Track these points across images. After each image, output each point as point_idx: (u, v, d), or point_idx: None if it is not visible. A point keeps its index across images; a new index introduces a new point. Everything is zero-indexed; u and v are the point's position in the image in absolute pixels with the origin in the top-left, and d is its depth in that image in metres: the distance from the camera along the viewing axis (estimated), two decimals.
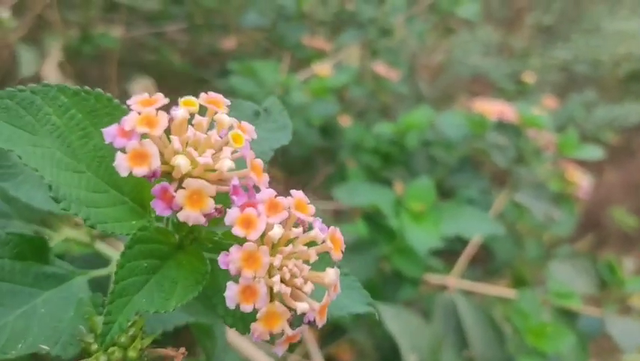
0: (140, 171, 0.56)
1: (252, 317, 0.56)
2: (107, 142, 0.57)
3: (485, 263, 2.25)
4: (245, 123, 0.62)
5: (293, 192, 0.60)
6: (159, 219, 0.66)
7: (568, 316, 1.69)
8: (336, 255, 0.60)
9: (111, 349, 0.63)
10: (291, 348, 1.78)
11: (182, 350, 0.67)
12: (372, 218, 1.73)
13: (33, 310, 0.66)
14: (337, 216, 2.42)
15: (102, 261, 0.84)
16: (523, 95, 3.14)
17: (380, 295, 1.66)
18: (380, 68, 2.64)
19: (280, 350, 0.58)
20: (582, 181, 2.22)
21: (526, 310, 1.50)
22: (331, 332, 1.87)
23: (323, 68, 2.41)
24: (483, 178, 2.18)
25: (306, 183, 2.52)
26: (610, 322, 1.64)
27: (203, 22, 3.08)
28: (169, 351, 0.67)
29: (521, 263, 2.10)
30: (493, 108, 2.10)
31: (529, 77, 3.13)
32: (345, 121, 2.57)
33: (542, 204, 1.92)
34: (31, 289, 0.67)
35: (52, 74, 2.30)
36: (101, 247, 0.89)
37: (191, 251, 0.64)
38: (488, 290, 1.80)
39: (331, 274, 0.59)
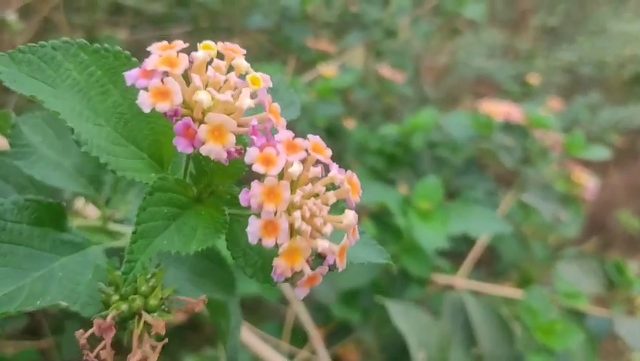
0: (163, 106, 0.57)
1: (271, 267, 0.56)
2: (128, 84, 0.58)
3: (491, 264, 2.25)
4: (260, 73, 0.63)
5: (310, 136, 0.61)
6: (176, 177, 0.67)
7: (576, 316, 1.68)
8: (354, 198, 0.61)
9: (132, 297, 0.64)
10: (299, 345, 1.77)
11: (203, 297, 0.68)
12: (379, 218, 1.73)
13: (51, 274, 0.67)
14: None
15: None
16: (528, 96, 3.13)
17: (387, 295, 1.66)
18: (385, 70, 2.64)
19: (302, 292, 0.58)
20: (588, 183, 2.21)
21: (535, 308, 1.50)
22: (338, 332, 1.86)
23: (328, 69, 2.41)
24: (489, 179, 2.18)
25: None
26: (618, 322, 1.63)
27: (207, 24, 3.09)
28: (189, 298, 0.68)
29: (528, 264, 2.10)
30: (499, 109, 2.09)
31: (534, 79, 3.13)
32: (350, 123, 2.57)
33: (550, 204, 1.91)
34: (49, 254, 0.69)
35: None
36: (114, 226, 0.90)
37: (209, 203, 0.65)
38: (495, 290, 1.79)
39: (350, 216, 0.59)
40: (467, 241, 1.95)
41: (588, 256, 2.00)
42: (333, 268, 0.59)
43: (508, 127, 2.08)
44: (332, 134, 2.49)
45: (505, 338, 1.47)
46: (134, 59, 0.67)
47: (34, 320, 1.77)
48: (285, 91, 0.85)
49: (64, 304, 0.64)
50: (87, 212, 1.11)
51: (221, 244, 0.67)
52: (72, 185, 0.87)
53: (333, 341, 1.88)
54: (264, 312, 1.99)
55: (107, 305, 0.64)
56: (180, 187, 0.64)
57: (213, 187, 0.66)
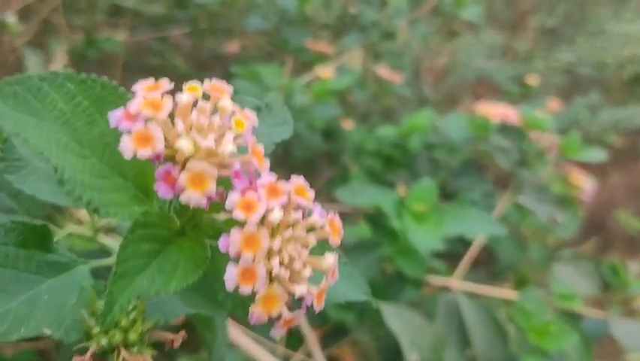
0: (145, 152, 0.57)
1: (251, 301, 0.57)
2: (112, 126, 0.58)
3: (488, 266, 2.25)
4: (247, 111, 0.63)
5: (293, 177, 0.61)
6: (161, 206, 0.66)
7: (571, 318, 1.68)
8: (335, 240, 0.61)
9: (112, 332, 0.64)
10: (294, 347, 1.78)
11: (182, 333, 0.69)
12: (375, 220, 1.73)
13: (36, 297, 0.66)
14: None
15: (105, 255, 0.85)
16: (528, 97, 3.13)
17: (382, 297, 1.66)
18: (383, 71, 2.65)
19: (278, 333, 0.59)
20: (585, 184, 2.21)
21: (529, 309, 1.50)
22: (333, 333, 1.87)
23: (325, 71, 2.42)
24: (486, 181, 2.18)
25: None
26: (614, 323, 1.63)
27: (206, 26, 3.10)
28: (169, 334, 0.69)
29: (524, 266, 2.10)
30: (496, 111, 2.10)
31: (533, 80, 3.13)
32: (348, 125, 2.57)
33: (546, 206, 1.91)
34: (35, 276, 0.68)
35: None
36: (104, 240, 0.90)
37: (192, 237, 0.65)
38: (491, 292, 1.79)
39: (329, 259, 0.60)
40: (463, 242, 1.95)
41: (584, 257, 2.00)
42: (310, 309, 0.59)
43: (505, 129, 2.08)
44: (329, 135, 2.50)
45: (499, 339, 1.47)
46: (122, 89, 0.67)
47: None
48: (280, 109, 0.84)
49: (47, 331, 0.64)
50: (81, 215, 1.11)
51: None
52: (63, 199, 0.87)
53: (328, 342, 1.88)
54: None
55: (88, 337, 0.65)
56: (163, 221, 0.63)
57: (197, 220, 0.65)
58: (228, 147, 0.59)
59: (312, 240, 0.60)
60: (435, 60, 3.53)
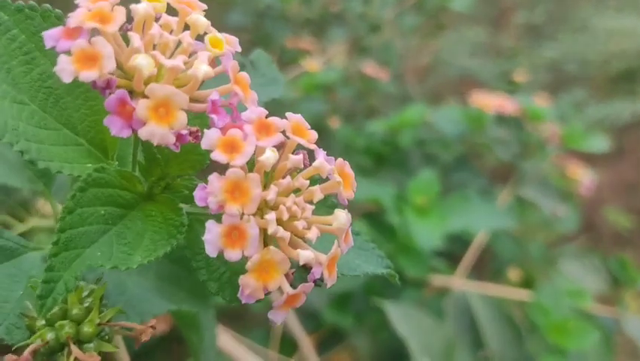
0: (89, 75, 0.43)
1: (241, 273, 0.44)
2: (48, 46, 0.46)
3: (485, 264, 2.16)
4: (226, 35, 0.51)
5: (289, 114, 0.48)
6: (122, 164, 0.54)
7: (580, 315, 1.60)
8: (347, 194, 0.48)
9: (60, 323, 0.50)
10: (288, 353, 1.66)
11: (153, 322, 0.53)
12: (373, 217, 1.63)
13: None
14: None
15: None
16: (514, 94, 3.07)
17: (382, 298, 1.56)
18: (369, 68, 2.56)
19: (278, 315, 0.46)
20: (583, 178, 2.14)
21: (546, 306, 1.40)
22: (329, 338, 1.76)
23: (312, 64, 2.32)
24: (482, 176, 2.09)
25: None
26: (627, 321, 1.55)
27: None
28: (134, 324, 0.53)
29: (525, 263, 2.01)
30: (491, 102, 2.01)
31: (520, 77, 3.06)
32: (334, 123, 2.47)
33: (549, 200, 1.83)
34: None
35: None
36: None
37: (162, 200, 0.52)
38: (496, 291, 1.70)
39: (341, 217, 0.47)
40: (462, 241, 1.86)
41: (590, 252, 1.92)
42: (319, 283, 0.46)
43: (502, 120, 2.00)
44: (317, 132, 2.40)
45: (514, 338, 1.37)
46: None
47: None
48: (267, 67, 0.72)
49: None
50: (46, 209, 0.99)
51: None
52: (16, 180, 0.74)
53: (324, 348, 1.77)
54: (249, 318, 1.87)
55: (32, 332, 0.51)
56: (125, 181, 0.50)
57: (168, 180, 0.53)
58: (202, 68, 0.46)
59: (317, 193, 0.47)
60: (418, 58, 3.46)
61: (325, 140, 2.41)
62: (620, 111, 3.31)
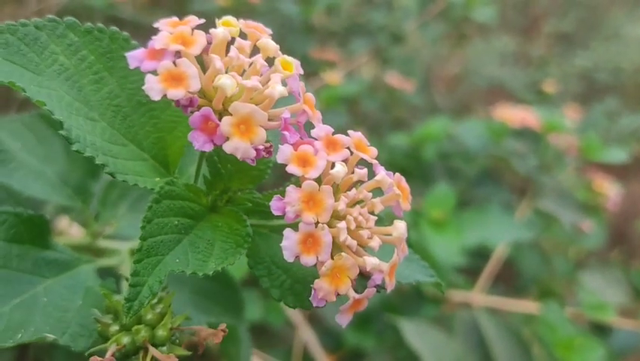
0: (176, 93, 0.47)
1: (301, 287, 0.49)
2: (132, 67, 0.49)
3: (511, 281, 2.12)
4: (288, 57, 0.54)
5: (350, 131, 0.52)
6: (186, 179, 0.58)
7: (600, 330, 1.56)
8: (405, 206, 0.52)
9: (137, 327, 0.53)
10: None
11: (223, 326, 0.56)
12: None
13: (33, 300, 0.57)
14: None
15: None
16: (544, 105, 3.01)
17: (400, 315, 1.54)
18: (393, 79, 2.54)
19: (344, 318, 0.49)
20: (610, 192, 2.08)
21: (552, 323, 1.38)
22: (350, 357, 1.74)
23: (332, 76, 2.32)
24: (504, 190, 2.06)
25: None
26: None
27: None
28: (202, 328, 0.57)
29: (549, 278, 1.97)
30: (515, 115, 1.98)
31: (549, 87, 3.00)
32: None
33: (569, 212, 1.79)
34: (31, 277, 0.59)
35: None
36: (106, 243, 0.80)
37: (226, 213, 0.55)
38: (514, 306, 1.67)
39: (400, 228, 0.50)
40: (483, 256, 1.83)
41: (611, 265, 1.87)
42: (380, 288, 0.50)
43: (521, 133, 1.96)
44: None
45: (522, 355, 1.35)
46: (134, 42, 0.57)
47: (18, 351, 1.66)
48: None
49: (51, 337, 0.54)
50: (72, 232, 1.01)
51: None
52: (55, 196, 0.77)
53: None
54: (268, 337, 1.86)
55: (104, 337, 0.54)
56: (192, 194, 0.53)
57: (231, 193, 0.57)
58: (277, 88, 0.49)
59: (378, 205, 0.50)
60: (446, 68, 3.43)
61: None
62: None
